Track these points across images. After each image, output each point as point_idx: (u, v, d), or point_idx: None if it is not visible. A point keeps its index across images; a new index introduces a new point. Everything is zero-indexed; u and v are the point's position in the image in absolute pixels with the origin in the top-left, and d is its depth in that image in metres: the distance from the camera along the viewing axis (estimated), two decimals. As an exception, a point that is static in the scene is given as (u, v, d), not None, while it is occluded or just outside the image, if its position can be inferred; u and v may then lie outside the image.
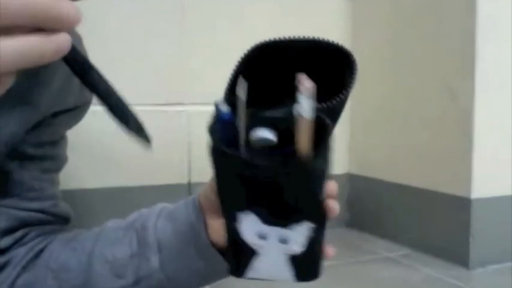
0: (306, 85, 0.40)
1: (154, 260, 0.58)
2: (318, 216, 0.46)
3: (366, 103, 1.76)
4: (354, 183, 1.80)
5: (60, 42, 0.30)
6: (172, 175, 1.51)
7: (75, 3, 0.30)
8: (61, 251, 0.61)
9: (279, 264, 0.47)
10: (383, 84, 1.68)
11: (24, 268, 0.61)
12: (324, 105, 0.45)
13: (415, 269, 1.40)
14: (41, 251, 0.62)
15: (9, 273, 0.60)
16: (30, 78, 0.57)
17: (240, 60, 0.47)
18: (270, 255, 0.47)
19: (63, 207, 0.66)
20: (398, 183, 1.62)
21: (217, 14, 1.55)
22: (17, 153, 0.60)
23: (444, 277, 1.34)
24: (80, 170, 1.41)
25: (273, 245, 0.46)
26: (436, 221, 1.48)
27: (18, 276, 0.60)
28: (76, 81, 0.63)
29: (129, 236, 0.60)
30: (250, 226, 0.46)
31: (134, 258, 0.59)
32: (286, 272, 0.48)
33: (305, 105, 0.40)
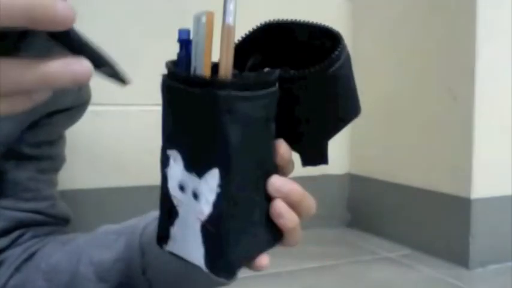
0: None
1: (138, 265, 0.58)
2: (226, 161, 0.39)
3: (366, 103, 1.75)
4: (354, 183, 1.80)
5: (78, 70, 0.30)
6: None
7: (69, 3, 0.30)
8: (53, 252, 0.61)
9: (192, 234, 0.41)
10: (383, 85, 1.68)
11: (17, 269, 0.61)
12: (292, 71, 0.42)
13: (415, 269, 1.40)
14: (35, 252, 0.62)
15: (3, 273, 0.60)
16: None
17: (243, 36, 0.47)
18: (186, 217, 0.41)
19: (61, 207, 0.66)
20: (399, 183, 1.62)
21: (217, 14, 1.55)
22: (13, 153, 0.60)
23: (444, 277, 1.34)
24: (80, 170, 1.41)
25: (188, 202, 0.41)
26: (436, 221, 1.48)
27: (11, 276, 0.60)
28: None
29: (118, 240, 0.59)
30: (175, 170, 0.41)
31: (119, 262, 0.58)
32: (197, 249, 0.41)
33: (229, 10, 0.39)
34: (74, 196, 1.29)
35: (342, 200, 1.81)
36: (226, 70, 0.39)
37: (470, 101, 1.36)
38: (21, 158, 0.61)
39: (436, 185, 1.48)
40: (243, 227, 0.41)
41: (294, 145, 0.45)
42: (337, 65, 0.44)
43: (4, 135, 0.56)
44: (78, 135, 1.35)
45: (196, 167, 0.40)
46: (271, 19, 0.47)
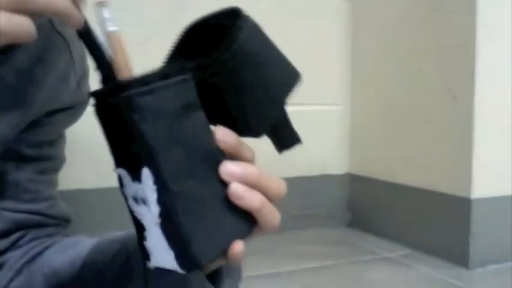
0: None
1: (139, 275, 0.57)
2: (150, 158, 0.39)
3: (366, 103, 1.76)
4: (354, 183, 1.80)
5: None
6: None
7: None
8: (56, 257, 0.61)
9: (159, 241, 0.40)
10: (383, 85, 1.68)
11: (19, 272, 0.60)
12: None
13: (415, 269, 1.40)
14: (37, 255, 0.61)
15: (3, 276, 0.60)
16: (23, 77, 0.56)
17: (171, 48, 0.47)
18: (150, 227, 0.41)
19: (62, 208, 0.66)
20: (399, 183, 1.62)
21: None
22: (13, 154, 0.60)
23: (444, 277, 1.34)
24: (80, 170, 1.41)
25: (144, 211, 0.40)
26: (436, 221, 1.48)
27: (12, 279, 0.60)
28: (72, 80, 0.62)
29: (122, 249, 0.59)
30: (128, 186, 0.41)
31: (123, 271, 0.58)
32: (168, 253, 0.40)
33: (104, 19, 0.38)
34: (74, 196, 1.29)
35: (341, 200, 1.81)
36: (123, 73, 0.39)
37: (470, 101, 1.36)
38: (21, 158, 0.61)
39: (436, 185, 1.48)
40: (198, 219, 0.40)
41: (248, 133, 0.45)
42: (239, 40, 0.42)
43: (2, 136, 0.56)
44: (77, 135, 1.35)
45: (135, 174, 0.40)
46: (196, 19, 0.46)
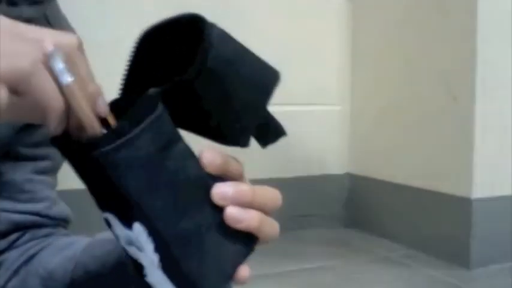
0: (48, 48, 0.34)
1: (132, 277, 0.57)
2: (140, 214, 0.37)
3: (366, 104, 1.76)
4: (354, 183, 1.80)
5: None
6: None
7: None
8: (52, 258, 0.61)
9: (162, 279, 0.39)
10: (383, 85, 1.68)
11: (16, 272, 0.60)
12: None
13: (415, 269, 1.40)
14: (34, 255, 0.61)
15: (1, 276, 0.60)
16: None
17: (128, 64, 0.44)
18: (149, 267, 0.40)
19: (60, 208, 0.65)
20: (398, 183, 1.62)
21: (218, 14, 1.55)
22: (10, 155, 0.60)
23: (444, 277, 1.34)
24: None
25: (141, 255, 0.39)
26: (436, 221, 1.48)
27: (9, 279, 0.60)
28: None
29: (116, 249, 0.59)
30: (117, 229, 0.39)
31: (115, 273, 0.57)
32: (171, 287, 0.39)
33: (59, 71, 0.34)
34: (74, 196, 1.29)
35: (341, 200, 1.81)
36: (91, 127, 0.36)
37: (470, 101, 1.36)
38: (18, 158, 0.60)
39: (436, 185, 1.48)
40: (200, 255, 0.39)
41: (233, 142, 0.43)
42: (211, 55, 0.39)
43: (3, 137, 0.56)
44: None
45: (126, 223, 0.38)
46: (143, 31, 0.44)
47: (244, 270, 0.41)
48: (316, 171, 1.75)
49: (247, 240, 0.41)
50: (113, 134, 0.35)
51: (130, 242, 0.39)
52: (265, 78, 0.44)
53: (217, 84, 0.40)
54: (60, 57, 0.34)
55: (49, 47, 0.34)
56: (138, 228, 0.37)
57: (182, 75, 0.39)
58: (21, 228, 0.61)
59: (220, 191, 0.39)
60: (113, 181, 0.36)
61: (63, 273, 0.59)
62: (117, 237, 0.40)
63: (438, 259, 1.45)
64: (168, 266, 0.38)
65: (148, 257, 0.38)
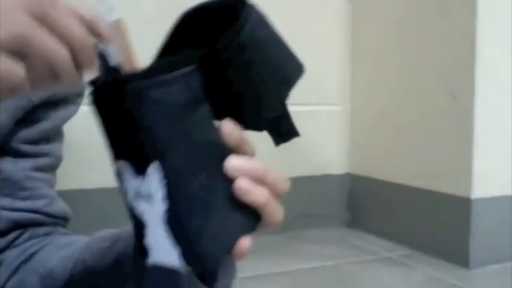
0: None
1: (130, 274, 0.57)
2: (159, 153, 0.37)
3: (366, 103, 1.76)
4: (354, 183, 1.80)
5: None
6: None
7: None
8: (51, 257, 0.61)
9: (162, 238, 0.39)
10: (383, 85, 1.68)
11: (15, 271, 0.60)
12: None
13: (415, 269, 1.40)
14: (33, 254, 0.61)
15: (1, 274, 0.60)
16: None
17: (166, 35, 0.45)
18: (151, 223, 0.39)
19: (59, 206, 0.65)
20: (398, 183, 1.62)
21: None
22: (9, 151, 0.60)
23: (444, 277, 1.34)
24: (80, 170, 1.41)
25: (147, 207, 0.39)
26: (436, 221, 1.48)
27: (8, 278, 0.60)
28: None
29: (113, 247, 0.59)
30: (128, 181, 0.39)
31: (113, 270, 0.57)
32: (172, 251, 0.39)
33: (108, 7, 0.37)
34: (74, 196, 1.29)
35: (341, 200, 1.81)
36: (130, 64, 0.38)
37: (470, 101, 1.36)
38: (18, 155, 0.61)
39: (436, 185, 1.48)
40: (205, 216, 0.39)
41: (250, 125, 0.43)
42: (245, 30, 0.40)
43: (2, 126, 0.56)
44: (77, 135, 1.35)
45: (140, 168, 0.38)
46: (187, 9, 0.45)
47: (244, 241, 0.41)
48: (316, 171, 1.75)
49: (251, 218, 0.42)
50: (148, 73, 0.36)
51: (139, 193, 0.39)
52: (291, 69, 0.44)
53: (245, 63, 0.41)
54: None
55: None
56: (154, 169, 0.37)
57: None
58: (20, 226, 0.61)
59: (234, 162, 0.40)
60: (139, 119, 0.36)
61: (62, 271, 0.59)
62: (125, 191, 0.40)
63: (438, 259, 1.45)
64: (172, 220, 0.38)
65: (155, 208, 0.38)
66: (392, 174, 1.64)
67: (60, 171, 0.68)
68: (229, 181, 0.40)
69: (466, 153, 1.37)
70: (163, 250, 0.39)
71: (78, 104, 0.66)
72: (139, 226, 0.40)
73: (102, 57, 0.38)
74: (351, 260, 1.47)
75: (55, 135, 0.65)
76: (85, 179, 1.44)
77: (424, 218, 1.53)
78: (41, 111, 0.61)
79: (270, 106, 0.44)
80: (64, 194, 0.68)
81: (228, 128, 0.40)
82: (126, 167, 0.39)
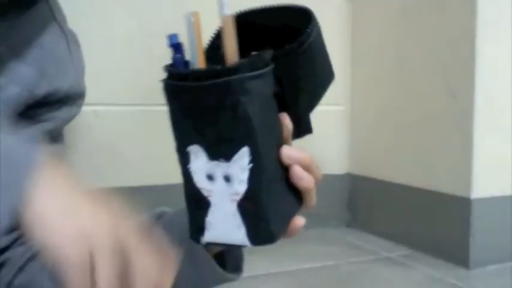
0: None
1: None
2: (253, 139, 0.42)
3: (366, 103, 1.76)
4: (354, 183, 1.80)
5: None
6: (172, 175, 1.51)
7: None
8: None
9: (230, 217, 0.43)
10: (383, 85, 1.68)
11: (21, 268, 0.60)
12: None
13: (415, 269, 1.40)
14: (39, 251, 0.61)
15: (7, 272, 0.60)
16: (18, 58, 0.57)
17: (215, 32, 0.49)
18: (220, 203, 0.44)
19: None
20: (399, 183, 1.62)
21: (216, 13, 1.55)
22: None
23: (444, 277, 1.34)
24: (80, 170, 1.41)
25: (220, 189, 0.43)
26: (436, 221, 1.48)
27: (15, 276, 0.60)
28: (70, 70, 0.63)
29: None
30: (199, 163, 0.43)
31: None
32: (238, 229, 0.44)
33: (222, 3, 0.42)
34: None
35: (341, 200, 1.81)
36: (232, 56, 0.42)
37: (470, 101, 1.36)
38: None
39: (436, 185, 1.48)
40: (275, 196, 0.44)
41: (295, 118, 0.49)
42: (311, 38, 0.47)
43: (10, 96, 0.56)
44: (77, 135, 1.35)
45: (221, 153, 0.42)
46: (240, 11, 0.50)
47: (299, 220, 0.48)
48: (316, 171, 1.75)
49: (297, 199, 0.48)
50: (250, 64, 0.41)
51: (212, 175, 0.43)
52: (329, 75, 0.52)
53: (310, 61, 0.48)
54: None
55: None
56: (244, 153, 0.42)
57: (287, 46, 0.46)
58: None
59: (291, 151, 0.46)
60: (238, 106, 0.41)
61: None
62: (189, 174, 0.44)
63: (438, 259, 1.45)
64: (249, 199, 0.43)
65: (233, 188, 0.43)
66: (392, 174, 1.64)
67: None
68: (283, 167, 0.45)
69: (466, 153, 1.37)
70: (226, 228, 0.44)
71: (79, 105, 0.67)
72: (201, 205, 0.44)
73: (179, 49, 0.43)
74: (351, 260, 1.47)
75: (57, 136, 0.65)
76: (85, 179, 1.44)
77: (424, 218, 1.53)
78: (43, 111, 0.61)
79: (314, 103, 0.51)
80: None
81: (288, 120, 0.46)
82: (199, 151, 0.43)
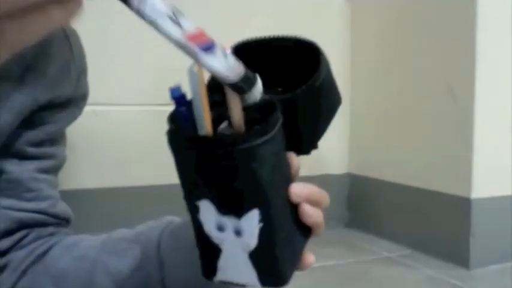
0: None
1: (156, 276, 0.58)
2: (264, 202, 0.42)
3: (366, 103, 1.76)
4: (354, 183, 1.80)
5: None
6: (172, 175, 1.51)
7: None
8: (62, 257, 0.61)
9: (241, 263, 0.45)
10: (383, 85, 1.68)
11: (24, 272, 0.60)
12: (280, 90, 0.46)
13: (415, 269, 1.40)
14: (42, 254, 0.61)
15: (9, 276, 0.60)
16: (25, 66, 0.57)
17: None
18: (231, 251, 0.45)
19: (62, 207, 0.66)
20: (398, 183, 1.62)
21: (217, 14, 1.55)
22: (15, 153, 0.60)
23: (444, 277, 1.34)
24: (80, 170, 1.41)
25: (231, 239, 0.44)
26: (436, 221, 1.48)
27: (18, 280, 0.60)
28: (73, 71, 0.63)
29: (133, 248, 0.59)
30: (208, 216, 0.44)
31: (136, 272, 0.58)
32: (249, 273, 0.45)
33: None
34: (74, 196, 1.29)
35: (341, 200, 1.81)
36: (240, 123, 0.42)
37: (470, 101, 1.36)
38: (23, 157, 0.61)
39: (436, 185, 1.48)
40: (285, 243, 0.45)
41: (301, 153, 0.50)
42: (322, 76, 0.47)
43: (3, 124, 0.56)
44: (78, 135, 1.35)
45: (232, 210, 0.43)
46: (244, 39, 0.50)
47: (310, 257, 0.49)
48: (316, 171, 1.75)
49: (305, 232, 0.48)
50: (261, 131, 0.40)
51: (222, 227, 0.44)
52: (337, 102, 0.52)
53: (314, 104, 0.48)
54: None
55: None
56: (254, 215, 0.42)
57: (287, 88, 0.46)
58: (25, 226, 0.62)
59: (299, 189, 0.46)
60: (249, 173, 0.41)
61: (77, 272, 0.60)
62: (200, 223, 0.45)
63: (438, 259, 1.45)
64: (261, 251, 0.43)
65: (244, 242, 0.43)
66: (393, 174, 1.64)
67: (60, 171, 0.68)
68: (291, 204, 0.46)
69: (466, 153, 1.37)
70: (239, 272, 0.45)
71: (82, 107, 0.67)
72: (212, 251, 0.45)
73: (182, 102, 0.42)
74: (351, 260, 1.47)
75: (59, 137, 0.65)
76: (85, 179, 1.44)
77: (424, 218, 1.53)
78: (46, 114, 0.61)
79: (319, 137, 0.52)
80: (64, 194, 0.68)
81: (295, 161, 0.46)
82: (208, 206, 0.43)
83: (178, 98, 0.42)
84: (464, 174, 1.38)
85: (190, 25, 0.37)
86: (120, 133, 1.46)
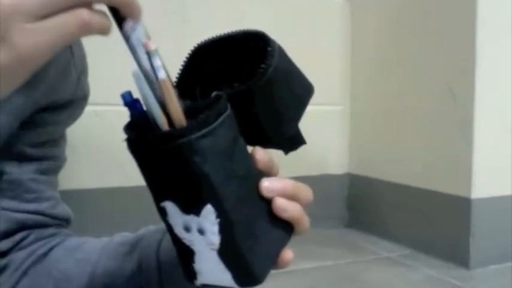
0: (150, 47, 0.40)
1: (154, 280, 0.58)
2: (214, 196, 0.41)
3: (366, 104, 1.76)
4: (354, 183, 1.80)
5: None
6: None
7: None
8: (64, 259, 0.61)
9: (214, 263, 0.44)
10: (382, 85, 1.68)
11: (25, 273, 0.60)
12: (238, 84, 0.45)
13: (415, 269, 1.40)
14: (43, 256, 0.61)
15: (9, 277, 0.60)
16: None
17: (181, 67, 0.49)
18: (201, 252, 0.44)
19: (63, 208, 0.66)
20: (398, 183, 1.62)
21: (217, 15, 1.55)
22: (15, 154, 0.60)
23: (444, 277, 1.34)
24: (80, 170, 1.41)
25: (198, 239, 0.43)
26: (436, 221, 1.48)
27: (18, 281, 0.60)
28: (73, 73, 0.63)
29: (134, 252, 0.59)
30: (176, 217, 0.43)
31: (136, 276, 0.58)
32: (224, 273, 0.44)
33: (156, 66, 0.40)
34: (74, 196, 1.29)
35: (341, 200, 1.81)
36: (179, 119, 0.40)
37: (470, 101, 1.36)
38: (24, 158, 0.61)
39: (436, 185, 1.48)
40: (254, 239, 0.43)
41: (267, 144, 0.48)
42: (272, 67, 0.45)
43: (3, 126, 0.56)
44: (78, 135, 1.35)
45: (191, 208, 0.42)
46: (203, 40, 0.49)
47: (288, 254, 0.46)
48: (316, 171, 1.75)
49: (286, 229, 0.46)
50: (198, 124, 0.40)
51: (188, 227, 0.43)
52: (305, 91, 0.50)
53: (271, 94, 0.46)
54: (158, 54, 0.39)
55: (151, 46, 0.40)
56: (209, 210, 0.41)
57: (244, 83, 0.45)
58: (26, 227, 0.62)
59: (268, 184, 0.44)
60: (192, 167, 0.40)
61: (78, 275, 0.60)
62: (170, 226, 0.44)
63: (438, 259, 1.45)
64: (226, 248, 0.42)
65: (208, 239, 0.42)
66: (393, 174, 1.64)
67: (61, 171, 0.68)
68: (265, 200, 0.44)
69: (466, 153, 1.37)
70: (214, 273, 0.44)
71: (82, 108, 0.67)
72: (187, 253, 0.44)
73: (136, 106, 0.42)
74: (351, 260, 1.47)
75: (60, 138, 0.65)
76: (85, 179, 1.44)
77: (424, 218, 1.53)
78: (47, 115, 0.61)
79: (290, 126, 0.49)
80: (64, 194, 0.68)
81: (260, 155, 0.45)
82: (172, 206, 0.43)
83: (131, 102, 0.42)
84: (464, 174, 1.38)
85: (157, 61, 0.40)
86: (120, 133, 1.46)
